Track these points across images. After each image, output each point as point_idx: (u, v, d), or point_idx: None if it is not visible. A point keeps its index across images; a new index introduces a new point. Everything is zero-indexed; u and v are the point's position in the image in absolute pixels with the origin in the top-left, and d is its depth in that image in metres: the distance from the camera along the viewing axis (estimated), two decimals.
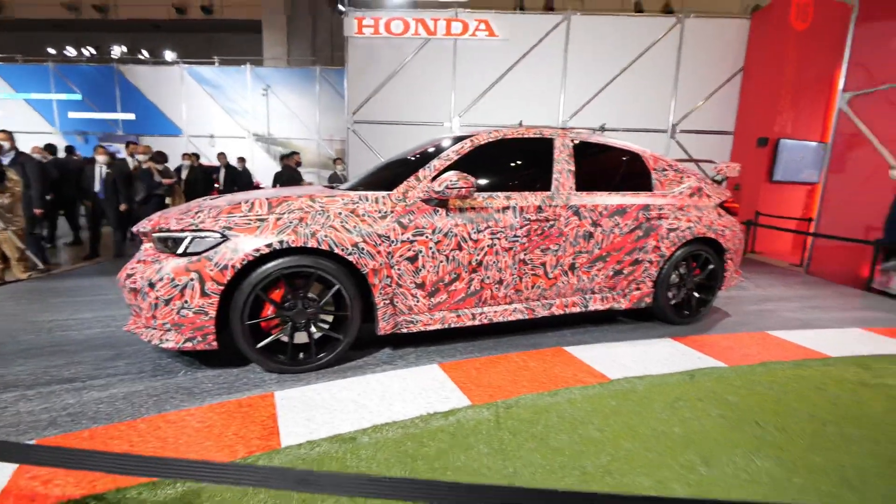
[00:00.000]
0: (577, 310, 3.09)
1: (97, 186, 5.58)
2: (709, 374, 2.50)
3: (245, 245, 2.21)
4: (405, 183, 2.62)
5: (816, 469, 1.72)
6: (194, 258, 2.20)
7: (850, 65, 6.15)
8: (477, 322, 2.80)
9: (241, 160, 9.33)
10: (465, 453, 1.71)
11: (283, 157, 8.42)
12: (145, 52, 17.82)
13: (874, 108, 5.86)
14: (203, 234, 2.23)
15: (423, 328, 2.66)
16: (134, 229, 2.56)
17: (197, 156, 8.93)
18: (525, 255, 2.83)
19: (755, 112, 9.37)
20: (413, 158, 3.03)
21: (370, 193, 2.55)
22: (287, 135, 15.46)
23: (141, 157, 6.07)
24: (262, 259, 2.26)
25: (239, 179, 8.85)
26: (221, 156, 8.49)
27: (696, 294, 3.47)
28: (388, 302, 2.53)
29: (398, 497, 0.97)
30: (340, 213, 2.42)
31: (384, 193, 2.56)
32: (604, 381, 2.37)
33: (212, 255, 2.19)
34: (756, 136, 9.20)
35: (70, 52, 17.37)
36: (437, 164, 2.70)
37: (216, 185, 8.87)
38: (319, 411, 1.98)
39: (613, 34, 9.91)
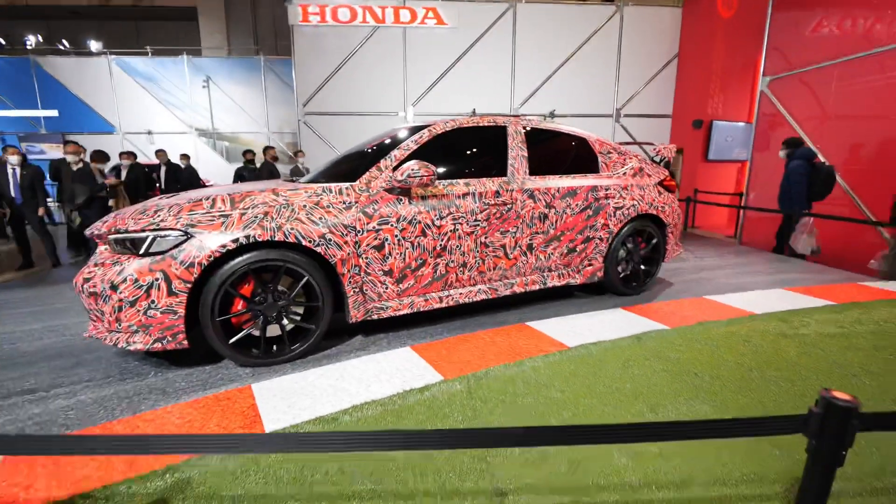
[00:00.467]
0: (536, 287, 3.31)
1: (13, 191, 5.27)
2: (654, 337, 2.79)
3: (211, 242, 2.22)
4: (367, 173, 2.69)
5: (744, 407, 2.01)
6: (157, 257, 2.19)
7: (769, 50, 6.75)
8: (444, 305, 2.95)
9: (185, 157, 8.89)
10: (441, 422, 1.86)
11: (264, 150, 8.32)
12: (66, 43, 16.35)
13: (791, 91, 6.49)
14: (165, 232, 2.22)
15: (393, 314, 2.78)
16: (87, 232, 2.48)
17: (134, 154, 8.43)
18: (486, 238, 2.99)
19: (690, 96, 10.03)
20: (372, 149, 3.10)
21: (333, 185, 2.61)
22: (233, 129, 14.82)
23: (70, 157, 5.66)
24: (228, 255, 2.27)
25: (182, 178, 8.43)
26: (161, 153, 8.04)
27: (643, 266, 3.78)
28: (357, 290, 2.62)
29: (393, 447, 1.09)
30: (305, 206, 2.47)
31: (347, 185, 2.63)
32: (563, 349, 2.59)
33: (176, 253, 2.19)
34: (692, 118, 9.87)
35: None
36: (397, 153, 2.79)
37: (157, 185, 8.43)
38: (299, 397, 2.05)
39: (557, 22, 10.23)
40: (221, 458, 1.62)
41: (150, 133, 14.33)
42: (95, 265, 2.29)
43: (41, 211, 5.37)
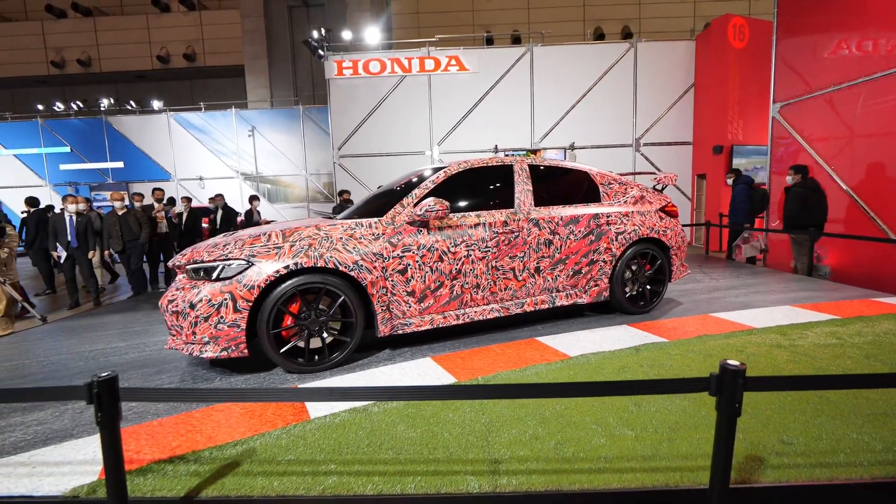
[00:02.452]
0: (546, 306, 3.67)
1: (69, 236, 5.81)
2: (652, 348, 3.08)
3: (267, 268, 2.76)
4: (392, 209, 3.22)
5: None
6: (226, 282, 2.74)
7: (777, 78, 7.04)
8: (461, 322, 3.36)
9: (254, 199, 9.26)
10: (453, 412, 2.25)
11: (340, 193, 9.11)
12: (132, 103, 18.50)
13: (801, 115, 6.70)
14: (232, 262, 2.79)
15: (415, 329, 3.21)
16: (169, 264, 3.10)
17: (189, 199, 9.45)
18: (496, 262, 3.42)
19: (709, 123, 10.29)
20: (398, 189, 3.64)
21: (364, 220, 3.14)
22: (275, 172, 16.12)
23: (118, 204, 6.25)
24: (280, 279, 2.81)
25: (234, 219, 9.03)
26: (219, 197, 8.83)
27: (649, 287, 4.07)
28: (385, 308, 3.09)
29: (415, 398, 1.50)
30: (342, 238, 3.00)
31: (376, 219, 3.15)
32: (565, 358, 2.94)
33: (241, 278, 2.74)
34: (712, 144, 10.09)
35: (59, 106, 17.96)
36: (417, 192, 3.31)
37: (205, 226, 9.09)
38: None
39: (574, 61, 10.88)
40: (277, 435, 2.08)
41: (201, 179, 15.81)
42: (177, 289, 2.87)
43: (91, 255, 5.93)
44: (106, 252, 6.22)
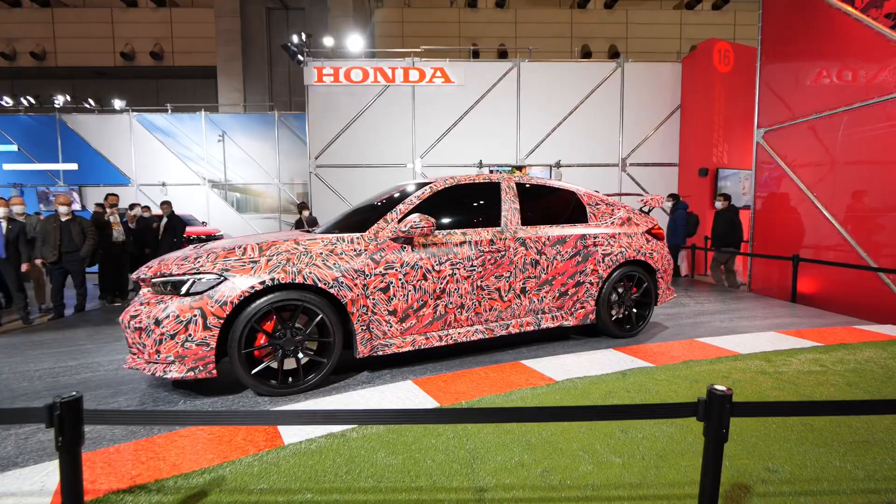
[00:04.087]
0: (531, 329, 3.75)
1: None
2: (638, 373, 3.18)
3: (242, 283, 2.75)
4: (376, 225, 3.26)
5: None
6: (197, 297, 2.72)
7: (761, 103, 7.48)
8: (444, 343, 3.39)
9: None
10: (435, 439, 2.27)
11: (300, 206, 8.99)
12: (91, 101, 18.10)
13: (785, 141, 7.12)
14: (203, 276, 2.77)
15: (396, 350, 3.23)
16: (133, 276, 3.05)
17: (148, 207, 9.26)
18: (482, 281, 3.49)
19: (695, 145, 10.78)
20: (380, 203, 3.69)
21: (346, 235, 3.18)
22: (246, 180, 15.95)
23: (63, 209, 5.89)
24: (255, 295, 2.80)
25: (181, 230, 8.69)
26: (165, 205, 8.62)
27: (635, 310, 4.21)
28: (365, 328, 3.10)
29: (400, 422, 1.53)
30: (322, 253, 3.02)
31: (358, 235, 3.19)
32: (551, 382, 3.00)
33: (212, 293, 2.72)
34: (698, 166, 10.55)
35: (6, 101, 17.42)
36: (402, 207, 3.37)
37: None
38: None
39: (560, 79, 11.27)
40: (249, 462, 2.05)
41: (164, 184, 15.49)
42: (141, 304, 2.83)
43: (24, 267, 5.46)
44: (38, 261, 5.69)
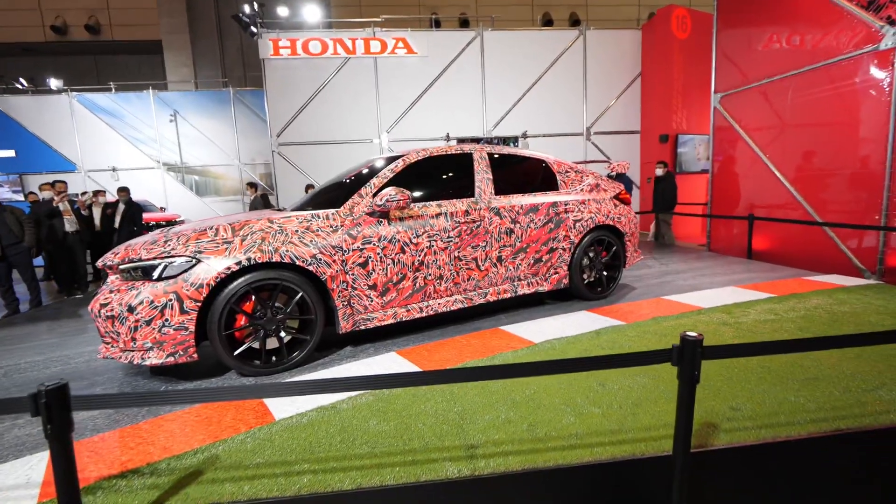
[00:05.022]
0: (508, 296, 3.85)
1: None
2: (611, 331, 3.34)
3: (217, 265, 2.69)
4: (350, 200, 3.23)
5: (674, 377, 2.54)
6: (170, 281, 2.65)
7: (717, 68, 7.70)
8: (424, 314, 3.45)
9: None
10: (424, 404, 2.34)
11: (249, 185, 8.57)
12: (23, 81, 16.70)
13: (740, 106, 7.39)
14: (175, 259, 2.69)
15: (378, 324, 3.26)
16: (98, 264, 2.93)
17: (103, 192, 8.76)
18: (459, 252, 3.53)
19: (655, 112, 11.02)
20: (352, 179, 3.65)
21: (321, 211, 3.14)
22: (204, 162, 15.24)
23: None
24: (232, 276, 2.75)
25: (138, 216, 8.23)
26: (122, 191, 8.17)
27: (605, 273, 4.37)
28: (345, 303, 3.11)
29: (395, 385, 1.57)
30: (297, 231, 2.97)
31: (333, 211, 3.16)
32: (530, 345, 3.12)
33: (187, 276, 2.66)
34: (659, 133, 10.82)
35: None
36: (376, 181, 3.34)
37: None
38: (295, 396, 2.50)
39: (524, 47, 11.20)
40: (241, 440, 2.07)
41: (114, 170, 14.62)
42: (111, 292, 2.73)
43: None
44: None
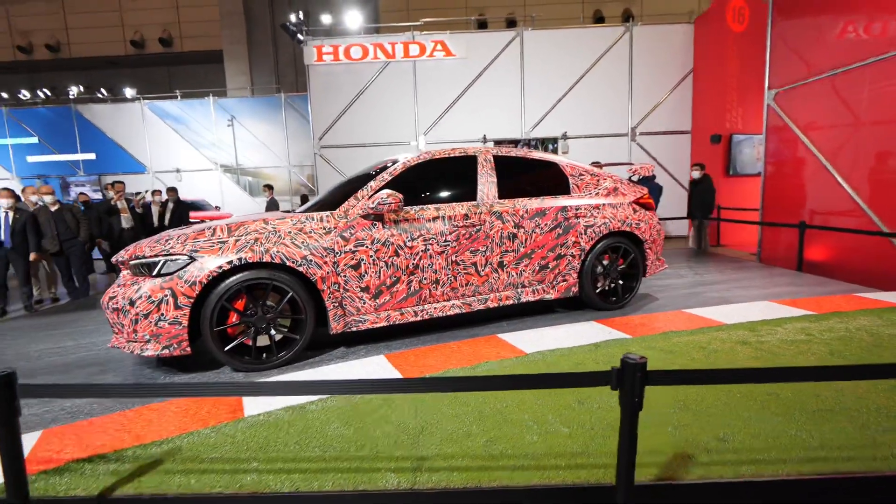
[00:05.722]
0: (511, 302, 3.73)
1: (2, 235, 5.26)
2: (612, 344, 3.14)
3: (210, 264, 2.81)
4: (346, 202, 3.27)
5: (661, 402, 2.34)
6: (167, 278, 2.80)
7: (772, 63, 7.07)
8: (419, 318, 3.42)
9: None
10: (392, 410, 2.31)
11: (266, 187, 8.92)
12: (104, 91, 18.45)
13: (797, 102, 6.74)
14: (173, 257, 2.84)
15: (371, 326, 3.27)
16: (113, 260, 3.15)
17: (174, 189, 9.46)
18: (456, 256, 3.47)
19: (708, 111, 10.33)
20: (355, 181, 3.69)
21: (315, 213, 3.19)
22: (256, 164, 16.11)
23: (48, 199, 5.91)
24: (224, 274, 2.86)
25: (186, 214, 8.61)
26: (171, 191, 8.77)
27: (622, 282, 4.13)
28: (337, 305, 3.14)
29: (366, 391, 1.56)
30: (290, 232, 3.05)
31: (328, 213, 3.20)
32: (521, 355, 3.00)
33: (182, 274, 2.79)
34: (711, 133, 10.13)
35: (24, 94, 17.93)
36: (373, 184, 3.36)
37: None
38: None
39: (566, 46, 10.88)
40: (206, 434, 2.14)
41: (178, 171, 15.80)
42: (118, 286, 2.93)
43: (32, 256, 5.42)
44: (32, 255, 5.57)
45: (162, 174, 15.71)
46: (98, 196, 15.68)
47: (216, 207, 14.95)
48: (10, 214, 5.26)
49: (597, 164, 8.43)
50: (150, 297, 2.76)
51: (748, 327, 3.44)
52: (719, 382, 1.50)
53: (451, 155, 3.69)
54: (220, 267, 2.82)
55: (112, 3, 20.24)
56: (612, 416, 2.20)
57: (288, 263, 2.95)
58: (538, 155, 4.05)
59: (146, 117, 15.45)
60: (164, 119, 15.60)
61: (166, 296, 2.76)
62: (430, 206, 3.44)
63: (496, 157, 3.79)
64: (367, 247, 3.19)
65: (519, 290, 3.76)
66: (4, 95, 17.31)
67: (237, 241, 2.92)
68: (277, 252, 2.94)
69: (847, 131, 6.00)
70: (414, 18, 16.68)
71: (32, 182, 15.62)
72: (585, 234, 3.88)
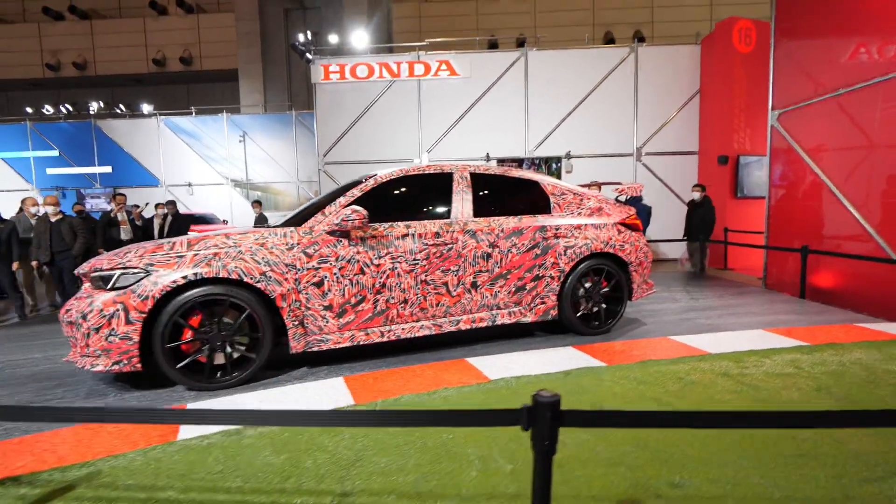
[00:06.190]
0: (485, 325, 3.59)
1: None
2: (584, 372, 2.97)
3: (164, 278, 2.75)
4: (313, 218, 3.20)
5: (622, 440, 2.15)
6: (121, 291, 2.74)
7: (775, 82, 6.90)
8: (386, 339, 3.30)
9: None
10: (330, 438, 2.18)
11: (253, 203, 9.01)
12: (122, 107, 19.05)
13: (803, 123, 6.54)
14: (129, 270, 2.79)
15: (333, 346, 3.16)
16: (75, 272, 3.12)
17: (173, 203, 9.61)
18: (426, 275, 3.36)
19: (714, 131, 10.14)
20: (332, 196, 3.62)
21: (280, 229, 3.13)
22: (266, 179, 16.35)
23: (50, 210, 5.98)
24: (180, 290, 2.79)
25: (185, 227, 8.66)
26: (170, 204, 8.88)
27: (605, 305, 3.96)
28: (298, 323, 3.04)
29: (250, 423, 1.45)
30: (251, 248, 2.98)
31: (292, 228, 3.13)
32: (484, 381, 2.85)
33: (136, 287, 2.74)
34: (718, 154, 9.92)
35: (48, 109, 18.62)
36: (342, 200, 3.29)
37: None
38: None
39: (570, 66, 10.87)
40: (132, 458, 2.04)
41: (190, 185, 16.11)
42: (75, 299, 2.88)
43: (14, 266, 5.53)
44: (34, 263, 5.84)
45: (175, 187, 16.03)
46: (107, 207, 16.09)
47: (224, 221, 15.14)
48: None
49: (595, 184, 8.30)
50: (101, 310, 2.70)
51: (734, 358, 3.24)
52: (642, 426, 1.35)
53: (426, 171, 3.62)
54: (175, 282, 2.75)
55: (137, 24, 21.06)
56: (563, 452, 2.03)
57: (246, 279, 2.87)
58: (518, 173, 3.95)
59: (161, 132, 15.87)
60: (178, 134, 16.01)
61: (118, 310, 2.70)
62: (399, 223, 3.35)
63: (473, 175, 3.69)
64: (330, 264, 3.10)
65: (494, 312, 3.62)
66: (29, 110, 18.01)
67: (195, 255, 2.86)
68: (235, 268, 2.86)
69: (854, 153, 5.78)
70: (426, 38, 16.93)
71: (52, 192, 16.14)
72: (565, 254, 3.74)
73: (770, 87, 6.96)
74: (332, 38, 12.34)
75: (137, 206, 8.91)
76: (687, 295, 5.60)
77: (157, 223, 8.96)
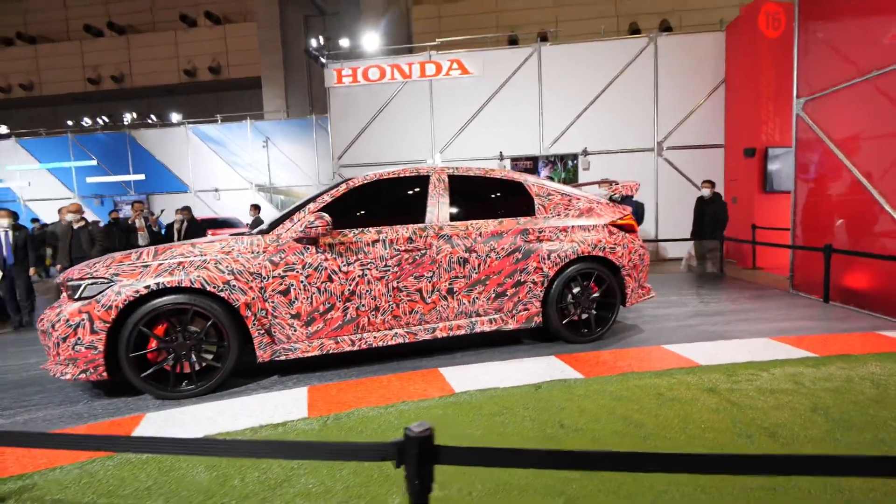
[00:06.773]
0: (463, 332, 3.46)
1: (5, 252, 5.45)
2: (557, 386, 2.80)
3: (127, 288, 2.77)
4: (281, 225, 3.16)
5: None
6: (86, 301, 2.78)
7: (800, 68, 6.41)
8: (357, 348, 3.22)
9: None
10: (217, 462, 2.11)
11: (252, 207, 9.27)
12: (153, 117, 19.90)
13: (831, 111, 6.04)
14: (96, 280, 2.82)
15: (302, 355, 3.11)
16: (55, 281, 3.20)
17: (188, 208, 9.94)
18: (399, 282, 3.26)
19: (741, 122, 9.58)
20: (298, 204, 3.58)
21: (247, 237, 3.10)
22: (288, 183, 16.71)
23: (72, 217, 6.22)
24: (143, 299, 2.80)
25: (200, 233, 8.89)
26: (185, 210, 9.14)
27: (596, 312, 3.74)
28: (264, 332, 3.01)
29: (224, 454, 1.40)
30: (216, 256, 2.97)
31: (259, 236, 3.10)
32: (448, 394, 2.72)
33: (100, 297, 2.77)
34: (744, 146, 9.36)
35: (86, 121, 19.67)
36: (312, 206, 3.23)
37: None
38: (171, 426, 2.44)
39: (585, 60, 10.52)
40: (69, 471, 2.04)
41: (217, 190, 16.66)
42: (49, 308, 2.95)
43: (32, 271, 5.72)
44: (58, 267, 6.17)
45: (203, 193, 16.62)
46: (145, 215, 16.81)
47: (247, 225, 15.57)
48: (10, 233, 5.55)
49: (606, 182, 7.96)
50: (68, 320, 2.75)
51: (726, 370, 2.98)
52: (524, 466, 1.19)
53: (402, 175, 3.52)
54: (138, 291, 2.77)
55: (169, 37, 21.96)
56: (514, 478, 1.89)
57: (209, 288, 2.86)
58: (501, 174, 3.79)
59: (190, 140, 16.48)
60: (205, 141, 16.57)
61: (83, 320, 2.74)
62: (371, 228, 3.27)
63: (452, 177, 3.57)
64: (297, 272, 3.05)
65: (473, 320, 3.48)
66: (70, 123, 19.09)
67: (160, 265, 2.87)
68: (198, 277, 2.86)
69: (887, 142, 5.28)
70: (446, 37, 16.84)
71: (90, 201, 17.05)
72: (549, 258, 3.56)
73: (794, 72, 6.47)
74: (344, 42, 12.41)
75: (153, 213, 9.22)
76: (697, 298, 5.27)
77: (175, 228, 9.25)
